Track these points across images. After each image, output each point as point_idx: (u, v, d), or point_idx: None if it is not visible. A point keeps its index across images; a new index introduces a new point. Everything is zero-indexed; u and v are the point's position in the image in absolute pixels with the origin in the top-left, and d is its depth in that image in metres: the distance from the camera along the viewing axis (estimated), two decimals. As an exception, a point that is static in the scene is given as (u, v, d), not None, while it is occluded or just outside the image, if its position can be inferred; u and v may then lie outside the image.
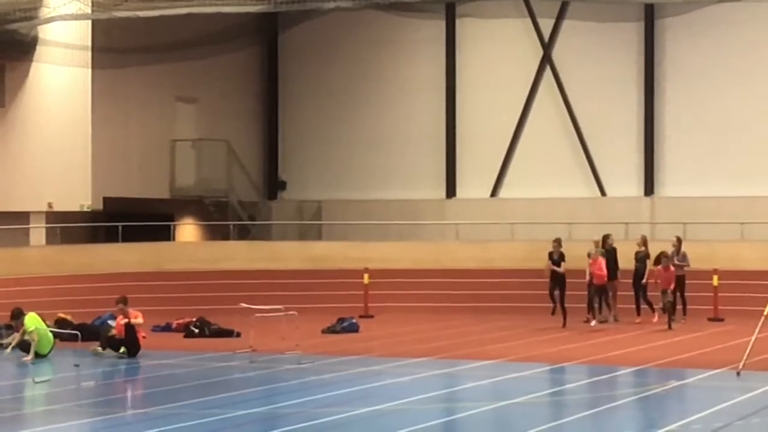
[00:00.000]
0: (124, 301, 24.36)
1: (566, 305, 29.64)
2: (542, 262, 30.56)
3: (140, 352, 23.91)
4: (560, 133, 38.52)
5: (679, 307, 30.53)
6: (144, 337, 26.81)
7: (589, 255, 29.95)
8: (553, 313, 29.70)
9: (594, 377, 21.38)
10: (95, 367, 22.18)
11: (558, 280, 29.77)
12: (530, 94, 38.86)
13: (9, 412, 17.45)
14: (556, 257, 29.91)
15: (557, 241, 30.21)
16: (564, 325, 29.05)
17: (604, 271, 29.75)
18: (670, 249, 30.62)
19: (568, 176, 38.23)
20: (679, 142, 37.24)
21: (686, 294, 30.71)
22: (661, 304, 29.40)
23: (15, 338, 24.14)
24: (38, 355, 23.40)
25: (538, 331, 28.18)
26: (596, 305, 29.85)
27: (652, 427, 16.11)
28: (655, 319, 30.05)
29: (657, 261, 29.96)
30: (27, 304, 29.13)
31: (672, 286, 29.10)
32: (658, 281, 29.32)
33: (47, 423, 16.23)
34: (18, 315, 23.85)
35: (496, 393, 19.50)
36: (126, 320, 23.84)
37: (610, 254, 30.95)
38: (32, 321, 23.73)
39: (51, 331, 24.40)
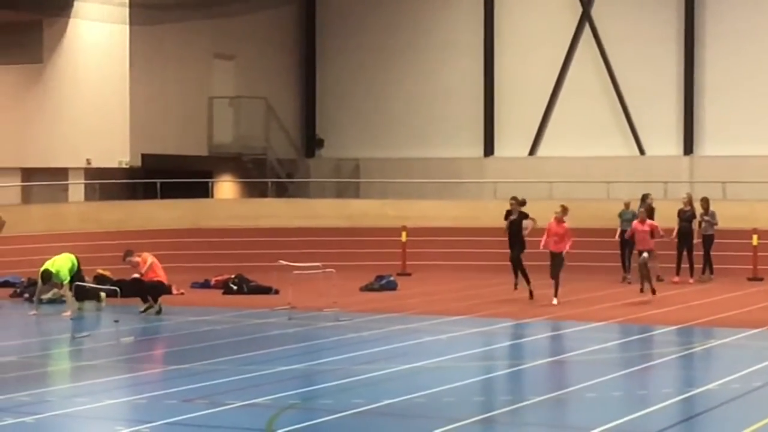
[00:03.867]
0: (129, 254, 24.42)
1: (528, 270, 26.08)
2: (579, 221, 30.39)
3: (180, 309, 24.03)
4: (599, 90, 38.29)
5: (698, 266, 30.48)
6: (182, 293, 27.06)
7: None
8: (515, 287, 26.12)
9: (633, 336, 21.32)
10: (135, 323, 22.30)
11: (516, 244, 26.07)
12: (569, 52, 38.61)
13: (49, 367, 17.60)
14: (515, 216, 26.25)
15: (515, 199, 26.64)
16: (531, 296, 25.79)
17: (565, 238, 25.37)
18: (699, 209, 30.63)
19: (606, 135, 38.04)
20: (719, 100, 36.93)
21: (720, 253, 30.70)
22: (637, 266, 26.09)
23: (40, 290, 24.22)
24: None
25: (576, 290, 28.07)
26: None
27: (690, 386, 16.07)
28: (692, 280, 29.96)
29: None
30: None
31: (651, 246, 26.12)
32: (633, 239, 26.69)
33: (87, 378, 16.35)
34: (48, 277, 23.89)
35: (534, 351, 19.49)
36: (142, 272, 23.90)
37: (648, 214, 30.77)
38: (63, 271, 23.77)
39: (90, 287, 24.60)
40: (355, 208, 36.44)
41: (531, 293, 25.88)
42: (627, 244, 30.57)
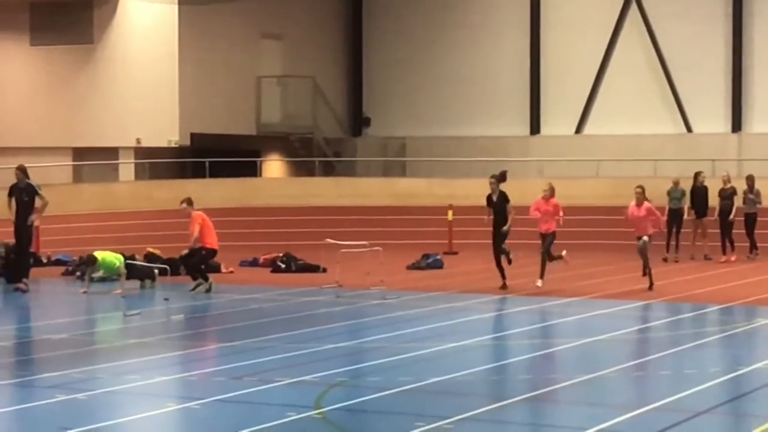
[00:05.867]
0: (189, 202, 24.55)
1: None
2: (626, 199, 30.31)
3: (229, 287, 24.26)
4: (646, 68, 38.17)
5: (740, 244, 30.31)
6: (231, 271, 27.31)
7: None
8: (503, 285, 24.05)
9: (680, 315, 21.33)
10: (184, 301, 22.53)
11: (500, 230, 24.21)
12: (616, 29, 38.50)
13: (100, 344, 17.84)
14: (496, 199, 24.20)
15: (496, 178, 24.43)
16: (503, 286, 24.01)
17: (556, 216, 23.85)
18: (743, 186, 30.55)
19: (653, 112, 37.92)
20: (767, 77, 36.70)
21: (760, 232, 30.55)
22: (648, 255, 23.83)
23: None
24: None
25: (623, 268, 28.06)
26: (550, 259, 24.23)
27: (739, 365, 16.05)
28: (733, 258, 29.88)
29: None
30: (116, 238, 29.80)
31: (650, 232, 23.96)
32: (632, 223, 24.18)
33: (138, 355, 16.53)
34: (93, 261, 24.03)
35: (581, 330, 19.53)
36: (190, 242, 24.04)
37: (701, 192, 30.74)
38: (109, 258, 23.92)
39: (139, 265, 24.90)
40: (402, 186, 36.55)
41: (504, 285, 24.10)
42: (674, 222, 30.47)
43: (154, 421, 12.61)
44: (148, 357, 16.38)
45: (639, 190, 24.11)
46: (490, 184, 24.38)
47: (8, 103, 37.24)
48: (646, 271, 24.06)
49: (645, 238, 23.75)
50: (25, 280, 24.08)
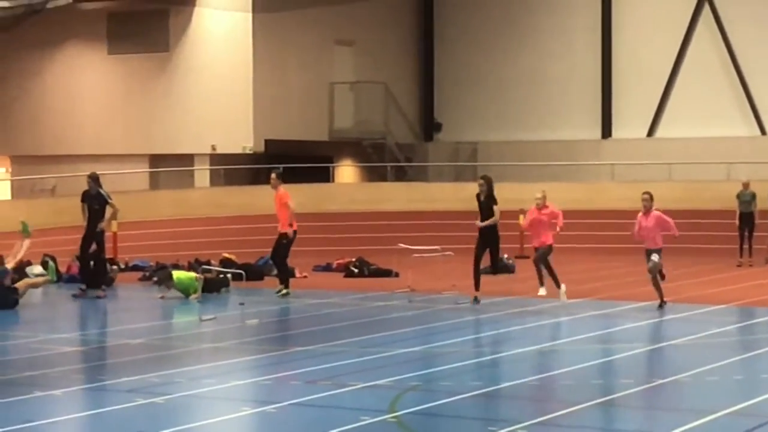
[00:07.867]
0: (279, 174, 24.66)
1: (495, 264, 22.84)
2: (699, 203, 30.24)
3: (303, 292, 24.48)
4: (719, 69, 37.92)
5: None
6: (305, 276, 27.58)
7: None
8: (477, 288, 22.40)
9: (754, 319, 21.22)
10: (259, 306, 22.80)
11: (487, 236, 22.66)
12: (688, 31, 38.30)
13: (177, 349, 18.08)
14: (484, 198, 22.57)
15: (485, 179, 22.73)
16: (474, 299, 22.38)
17: (548, 227, 22.18)
18: None
19: (726, 115, 37.67)
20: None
21: None
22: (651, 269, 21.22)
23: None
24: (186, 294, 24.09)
25: (693, 272, 27.95)
26: (544, 271, 22.75)
27: (812, 370, 16.00)
28: None
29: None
30: (191, 244, 30.19)
31: (660, 244, 21.32)
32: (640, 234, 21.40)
33: (213, 360, 16.77)
34: (169, 277, 24.27)
35: (653, 334, 19.52)
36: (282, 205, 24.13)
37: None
38: (186, 279, 24.21)
39: (215, 271, 25.21)
40: (473, 191, 36.31)
41: (476, 298, 22.51)
42: (745, 225, 30.27)
43: (231, 425, 12.82)
44: (223, 361, 16.60)
45: (646, 196, 21.25)
46: (480, 185, 22.65)
47: (86, 112, 37.86)
48: (662, 300, 21.53)
49: (655, 257, 21.11)
50: (104, 286, 24.51)
